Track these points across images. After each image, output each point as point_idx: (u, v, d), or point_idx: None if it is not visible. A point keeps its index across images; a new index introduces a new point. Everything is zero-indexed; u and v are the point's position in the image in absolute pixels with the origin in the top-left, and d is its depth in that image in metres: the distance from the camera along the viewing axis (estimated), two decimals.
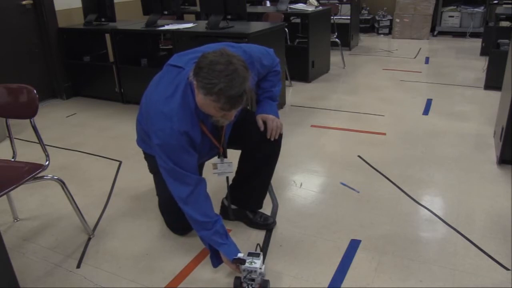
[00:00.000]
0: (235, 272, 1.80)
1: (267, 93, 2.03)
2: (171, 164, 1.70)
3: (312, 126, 3.56)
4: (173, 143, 1.67)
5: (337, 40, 5.29)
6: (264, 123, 1.97)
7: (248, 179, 2.12)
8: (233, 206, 2.21)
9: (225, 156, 1.95)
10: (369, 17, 7.63)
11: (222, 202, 2.27)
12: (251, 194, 2.17)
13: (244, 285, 1.70)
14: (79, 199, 2.36)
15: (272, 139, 1.97)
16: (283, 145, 2.08)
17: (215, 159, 1.98)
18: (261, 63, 1.95)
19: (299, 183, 2.64)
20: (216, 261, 1.84)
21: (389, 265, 1.90)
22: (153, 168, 2.12)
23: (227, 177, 2.07)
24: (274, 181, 2.62)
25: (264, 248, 2.04)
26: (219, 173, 1.96)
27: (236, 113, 1.72)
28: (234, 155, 2.07)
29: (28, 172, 1.91)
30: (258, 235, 2.14)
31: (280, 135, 2.04)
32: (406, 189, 2.52)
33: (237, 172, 2.15)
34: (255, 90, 2.01)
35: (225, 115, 1.64)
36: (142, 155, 2.16)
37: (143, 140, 2.05)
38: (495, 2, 6.26)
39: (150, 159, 2.08)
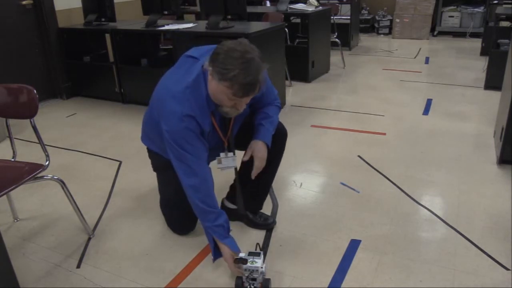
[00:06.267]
0: (236, 272, 1.80)
1: (269, 118, 1.95)
2: (180, 150, 1.70)
3: (312, 126, 3.56)
4: (182, 128, 1.67)
5: (337, 40, 5.29)
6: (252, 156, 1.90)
7: (249, 181, 2.11)
8: (233, 206, 2.21)
9: (230, 150, 1.94)
10: (369, 17, 7.62)
11: (222, 203, 2.26)
12: (251, 196, 2.16)
13: (246, 284, 1.70)
14: (79, 199, 2.36)
15: (253, 178, 1.92)
16: None
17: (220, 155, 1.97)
18: (271, 86, 1.97)
19: (299, 183, 2.64)
20: (218, 253, 1.83)
21: (389, 265, 1.90)
22: (157, 165, 2.12)
23: (235, 168, 2.05)
24: (274, 181, 2.62)
25: (264, 248, 2.04)
26: (222, 168, 1.95)
27: (246, 107, 1.73)
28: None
29: (28, 172, 1.91)
30: (258, 235, 2.14)
31: (285, 137, 2.04)
32: (406, 189, 2.52)
33: (238, 173, 2.14)
34: (255, 115, 1.98)
35: (235, 104, 1.65)
36: (142, 155, 2.16)
37: (148, 137, 2.05)
38: (495, 2, 6.25)
39: (154, 156, 2.08)
